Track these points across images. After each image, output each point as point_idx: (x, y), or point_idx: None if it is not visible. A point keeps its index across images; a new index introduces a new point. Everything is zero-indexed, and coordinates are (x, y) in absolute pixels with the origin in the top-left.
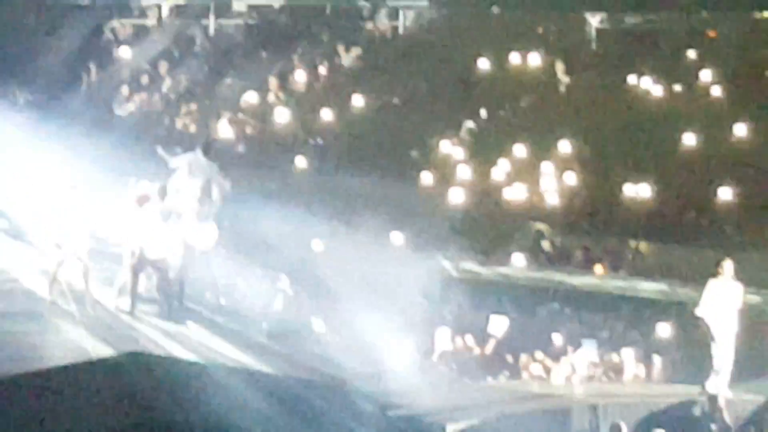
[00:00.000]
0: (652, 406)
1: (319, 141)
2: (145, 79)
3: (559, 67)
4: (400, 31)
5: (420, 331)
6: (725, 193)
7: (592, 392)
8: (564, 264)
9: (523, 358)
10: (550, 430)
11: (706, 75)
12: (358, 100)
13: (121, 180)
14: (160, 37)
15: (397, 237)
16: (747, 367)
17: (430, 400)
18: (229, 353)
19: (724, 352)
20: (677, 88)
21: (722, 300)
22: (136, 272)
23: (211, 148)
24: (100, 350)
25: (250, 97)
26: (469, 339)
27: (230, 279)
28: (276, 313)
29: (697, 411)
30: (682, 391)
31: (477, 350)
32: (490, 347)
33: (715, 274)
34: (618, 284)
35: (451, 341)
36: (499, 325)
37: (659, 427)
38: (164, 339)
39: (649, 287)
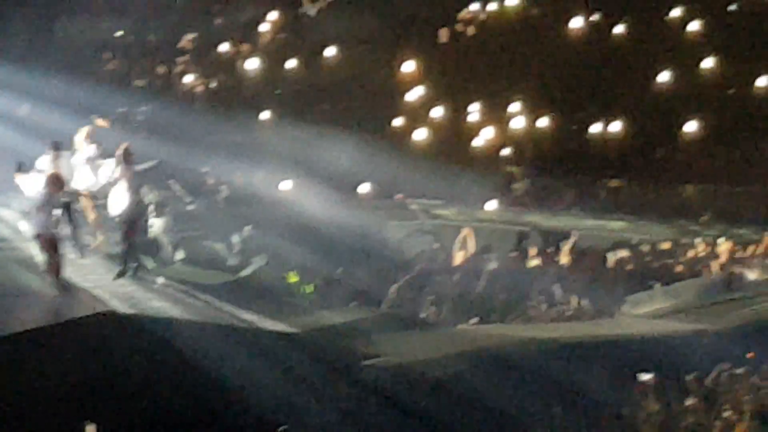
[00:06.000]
0: None
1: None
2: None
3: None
4: None
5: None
6: (691, 127)
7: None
8: (537, 205)
9: None
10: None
11: (675, 11)
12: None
13: None
14: None
15: (364, 187)
16: None
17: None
18: (201, 309)
19: None
20: (645, 25)
21: None
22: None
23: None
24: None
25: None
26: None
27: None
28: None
29: None
30: None
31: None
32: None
33: None
34: (589, 223)
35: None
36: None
37: None
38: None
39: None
